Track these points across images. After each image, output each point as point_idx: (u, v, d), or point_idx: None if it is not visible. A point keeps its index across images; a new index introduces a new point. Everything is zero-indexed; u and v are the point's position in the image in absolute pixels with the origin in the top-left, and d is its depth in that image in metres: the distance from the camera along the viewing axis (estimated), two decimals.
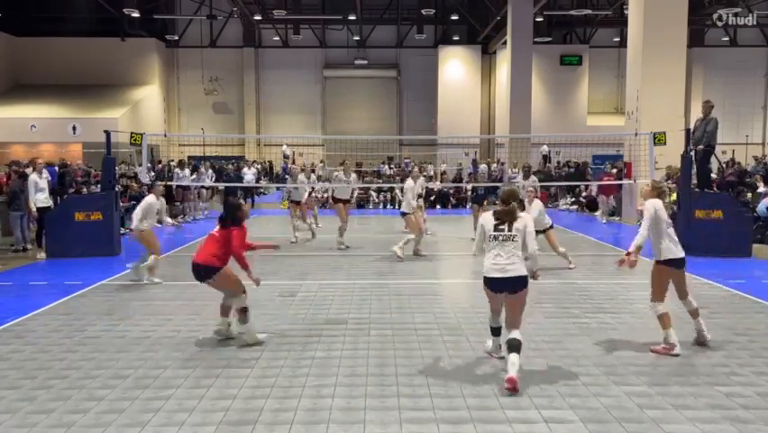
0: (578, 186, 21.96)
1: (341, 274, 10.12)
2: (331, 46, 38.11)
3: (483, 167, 26.33)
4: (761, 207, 13.38)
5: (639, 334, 6.46)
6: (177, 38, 36.92)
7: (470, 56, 36.52)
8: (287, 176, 18.34)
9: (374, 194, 23.39)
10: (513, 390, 4.87)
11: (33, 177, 11.97)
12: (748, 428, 4.34)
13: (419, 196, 13.99)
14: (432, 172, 27.39)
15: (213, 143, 33.07)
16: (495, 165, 25.95)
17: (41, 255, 11.53)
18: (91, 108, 31.13)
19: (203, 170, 20.48)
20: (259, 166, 28.94)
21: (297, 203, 14.20)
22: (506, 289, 5.22)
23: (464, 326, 6.84)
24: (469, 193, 22.81)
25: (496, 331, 5.69)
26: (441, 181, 24.81)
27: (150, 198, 9.50)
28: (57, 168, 18.50)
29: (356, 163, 22.44)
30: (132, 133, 13.07)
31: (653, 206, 5.90)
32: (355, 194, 16.42)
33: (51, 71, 33.81)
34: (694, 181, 12.55)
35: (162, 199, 10.19)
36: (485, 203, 14.26)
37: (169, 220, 11.20)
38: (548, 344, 6.21)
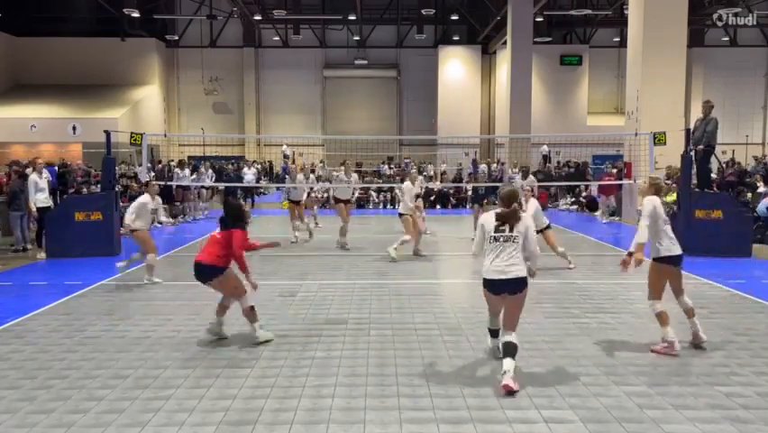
0: (578, 186, 21.96)
1: (341, 274, 10.12)
2: (331, 46, 38.12)
3: (483, 167, 26.33)
4: (761, 207, 13.38)
5: (639, 334, 6.46)
6: (177, 38, 36.94)
7: (470, 56, 36.53)
8: (286, 176, 18.37)
9: (374, 194, 23.40)
10: (510, 393, 4.86)
11: (33, 177, 11.97)
12: (748, 428, 4.34)
13: (418, 196, 13.99)
14: (432, 172, 27.42)
15: (213, 143, 33.08)
16: (495, 165, 25.96)
17: (41, 255, 11.53)
18: (91, 108, 31.14)
19: (203, 170, 20.49)
20: (259, 166, 28.95)
21: (296, 203, 14.20)
22: (505, 290, 5.17)
23: (464, 326, 6.84)
24: (469, 193, 22.84)
25: (494, 333, 5.65)
26: (441, 181, 24.83)
27: (143, 198, 9.41)
28: (57, 168, 18.53)
29: (356, 163, 22.48)
30: (132, 133, 13.09)
31: (652, 203, 5.89)
32: (356, 194, 16.45)
33: (51, 71, 33.82)
34: (694, 181, 12.55)
35: (158, 199, 10.05)
36: (484, 202, 14.28)
37: (163, 219, 11.12)
38: (548, 344, 6.21)
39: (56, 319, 7.19)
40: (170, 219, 17.56)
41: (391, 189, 22.48)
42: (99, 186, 14.33)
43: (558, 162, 28.41)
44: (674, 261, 5.92)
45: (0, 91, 33.26)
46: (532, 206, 10.04)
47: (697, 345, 5.98)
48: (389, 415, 4.54)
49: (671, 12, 15.77)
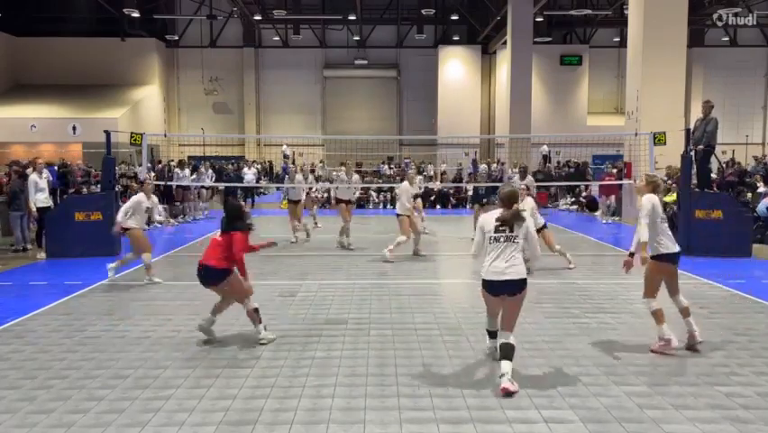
0: (578, 186, 21.96)
1: (341, 274, 10.12)
2: (331, 46, 38.12)
3: (483, 167, 26.34)
4: (761, 207, 13.38)
5: (639, 334, 6.46)
6: (177, 38, 36.94)
7: (470, 56, 36.53)
8: (286, 176, 18.35)
9: (374, 194, 23.40)
10: (509, 394, 4.84)
11: (33, 177, 11.97)
12: (748, 428, 4.34)
13: (416, 196, 13.97)
14: (432, 172, 27.43)
15: (213, 143, 33.07)
16: (495, 165, 25.96)
17: (41, 255, 11.53)
18: (91, 108, 31.14)
19: (203, 170, 20.50)
20: (259, 166, 28.96)
21: (295, 202, 14.17)
22: (505, 292, 5.13)
23: (464, 326, 6.83)
24: (469, 193, 22.84)
25: (493, 334, 5.61)
26: (441, 181, 24.82)
27: (138, 196, 9.33)
28: (56, 168, 18.53)
29: (356, 163, 22.45)
30: (132, 133, 13.08)
31: (650, 201, 5.87)
32: (356, 193, 16.45)
33: (51, 71, 33.81)
34: (694, 181, 12.55)
35: (154, 198, 9.94)
36: (484, 202, 14.26)
37: (160, 218, 11.02)
38: (548, 344, 6.20)
39: (56, 319, 7.19)
40: (169, 219, 17.55)
41: (391, 189, 22.48)
42: (99, 186, 14.33)
43: (558, 162, 28.42)
44: (673, 258, 5.91)
45: (0, 91, 33.26)
46: (527, 205, 10.03)
47: (691, 346, 5.90)
48: (389, 415, 4.54)
49: (671, 12, 15.77)
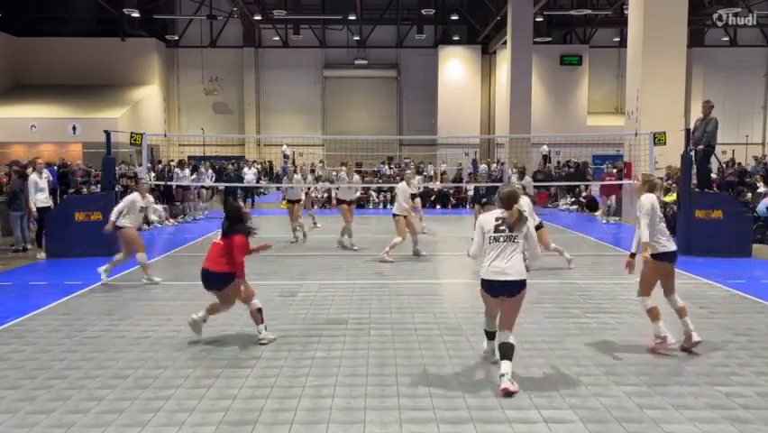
0: (578, 186, 21.96)
1: (341, 274, 10.12)
2: (331, 46, 38.12)
3: (483, 167, 26.35)
4: (761, 207, 13.38)
5: (639, 334, 6.45)
6: (177, 38, 36.94)
7: (470, 56, 36.53)
8: (284, 176, 18.34)
9: (374, 194, 23.40)
10: (509, 394, 4.84)
11: (33, 177, 11.98)
12: (748, 428, 4.34)
13: (415, 196, 13.96)
14: (432, 172, 27.43)
15: (213, 143, 33.06)
16: (495, 165, 25.97)
17: (41, 255, 11.53)
18: (91, 108, 31.14)
19: (203, 170, 20.49)
20: (259, 166, 28.96)
21: (294, 202, 14.14)
22: (504, 293, 5.09)
23: (464, 326, 6.83)
24: (469, 193, 22.86)
25: (491, 335, 5.56)
26: (441, 181, 24.83)
27: (133, 196, 9.26)
28: (56, 168, 18.54)
29: (356, 163, 22.47)
30: (132, 133, 13.08)
31: (650, 201, 5.87)
32: (357, 194, 16.46)
33: (51, 71, 33.81)
34: (694, 181, 12.56)
35: (149, 197, 9.85)
36: (484, 202, 14.26)
37: (154, 218, 10.92)
38: (548, 344, 6.20)
39: (56, 319, 7.19)
40: (169, 219, 17.55)
41: (391, 189, 22.47)
42: (99, 186, 14.33)
43: (558, 162, 28.42)
44: (671, 257, 5.91)
45: (0, 91, 33.26)
46: (524, 204, 10.01)
47: (687, 348, 5.85)
48: (389, 415, 4.54)
49: (671, 12, 15.77)
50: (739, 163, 21.93)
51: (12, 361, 5.76)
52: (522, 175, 13.92)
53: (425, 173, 25.83)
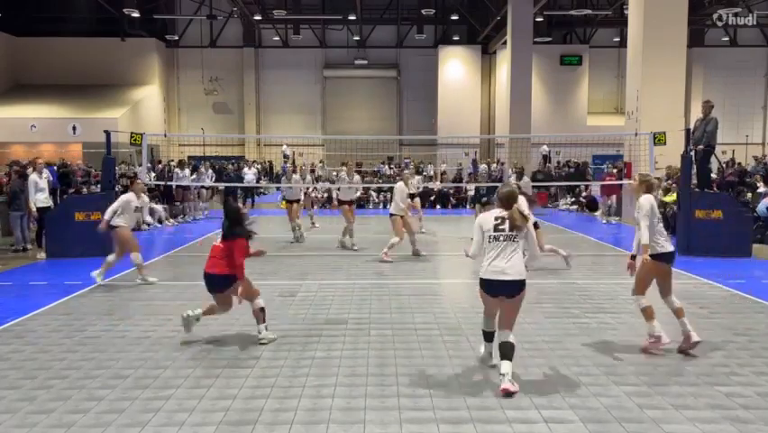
0: (578, 186, 21.96)
1: (341, 274, 10.12)
2: (331, 46, 38.12)
3: (483, 167, 26.35)
4: (761, 207, 13.38)
5: (639, 334, 6.43)
6: (177, 38, 36.94)
7: (470, 56, 36.53)
8: (283, 175, 18.31)
9: (374, 194, 23.40)
10: (509, 395, 4.83)
11: (33, 177, 11.97)
12: (748, 428, 4.34)
13: (413, 196, 13.93)
14: (432, 172, 27.43)
15: (213, 143, 33.07)
16: (495, 165, 25.98)
17: (41, 255, 11.53)
18: (91, 108, 31.15)
19: (203, 170, 20.50)
20: (259, 166, 28.97)
21: (292, 202, 14.11)
22: (503, 293, 5.07)
23: (464, 326, 6.83)
24: (469, 193, 22.86)
25: (489, 336, 5.47)
26: (441, 181, 24.83)
27: (128, 195, 9.21)
28: (56, 168, 18.54)
29: (356, 163, 22.47)
30: (132, 133, 13.08)
31: (649, 202, 5.86)
32: (358, 194, 16.43)
33: (51, 71, 33.81)
34: (694, 181, 12.56)
35: (144, 197, 9.75)
36: (483, 202, 14.26)
37: (149, 219, 10.82)
38: (548, 344, 6.20)
39: (56, 319, 7.18)
40: (168, 220, 17.54)
41: (391, 189, 22.44)
42: (99, 186, 14.33)
43: (558, 162, 28.43)
44: (669, 258, 5.90)
45: (0, 91, 33.26)
46: (521, 204, 10.01)
47: (684, 350, 5.81)
48: (389, 415, 4.54)
49: (671, 12, 15.77)
50: (739, 163, 21.94)
51: (12, 361, 5.76)
52: (520, 176, 13.91)
53: (424, 173, 25.83)
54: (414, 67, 37.63)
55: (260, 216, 19.43)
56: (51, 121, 30.43)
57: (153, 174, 19.82)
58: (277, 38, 37.77)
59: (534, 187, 20.66)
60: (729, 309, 7.63)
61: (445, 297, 8.52)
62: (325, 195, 22.52)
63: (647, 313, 5.86)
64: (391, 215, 11.54)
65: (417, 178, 19.70)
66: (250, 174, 24.38)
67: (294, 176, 15.06)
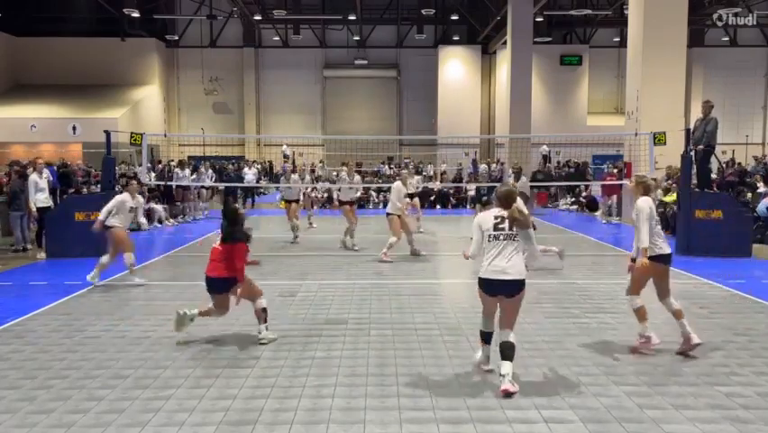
0: (578, 186, 21.96)
1: (341, 274, 10.12)
2: (331, 46, 38.11)
3: (483, 167, 26.35)
4: (761, 207, 13.38)
5: (639, 334, 6.44)
6: (177, 38, 36.92)
7: (470, 56, 36.52)
8: (282, 175, 18.30)
9: (374, 194, 23.40)
10: (509, 395, 4.82)
11: (33, 177, 11.97)
12: (748, 428, 4.34)
13: (412, 195, 13.90)
14: (432, 172, 27.43)
15: (213, 143, 33.07)
16: (495, 165, 25.98)
17: (41, 255, 11.52)
18: (91, 108, 31.14)
19: (203, 170, 20.51)
20: (259, 166, 28.98)
21: (290, 202, 14.06)
22: (503, 292, 5.04)
23: (464, 326, 6.83)
24: (470, 193, 22.87)
25: (487, 337, 5.37)
26: (441, 181, 24.82)
27: (122, 196, 9.18)
28: (56, 168, 18.53)
29: (356, 163, 22.47)
30: (132, 133, 13.07)
31: (648, 205, 5.83)
32: (358, 194, 16.35)
33: (51, 71, 33.80)
34: (694, 181, 12.56)
35: (139, 198, 9.73)
36: (485, 201, 14.25)
37: (143, 221, 10.69)
38: (548, 344, 6.20)
39: (56, 319, 7.19)
40: (168, 220, 17.54)
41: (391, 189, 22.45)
42: (99, 186, 14.32)
43: (558, 162, 28.43)
44: (666, 259, 5.89)
45: (0, 91, 33.26)
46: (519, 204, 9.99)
47: (684, 351, 5.79)
48: (389, 415, 4.54)
49: (671, 12, 15.77)
50: (739, 163, 21.94)
51: (12, 361, 5.76)
52: (518, 176, 13.87)
53: (424, 173, 25.82)
54: (414, 67, 37.62)
55: (260, 216, 19.45)
56: (51, 121, 30.42)
57: (153, 174, 19.82)
58: (277, 38, 37.76)
59: (534, 187, 20.68)
60: (729, 309, 7.63)
61: (445, 297, 8.52)
62: (325, 195, 22.51)
63: (640, 313, 5.88)
64: (388, 214, 11.52)
65: (417, 178, 19.70)
66: (250, 174, 24.39)
67: (293, 176, 15.04)
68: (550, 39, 32.50)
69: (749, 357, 5.79)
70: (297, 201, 14.22)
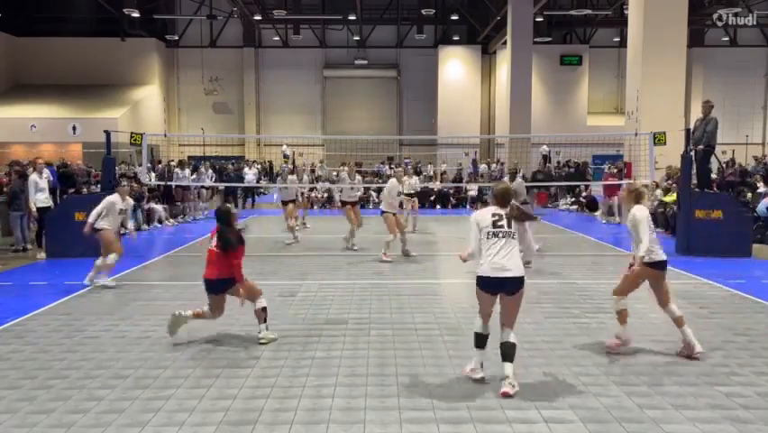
0: (578, 186, 21.96)
1: (341, 274, 10.12)
2: (331, 46, 38.12)
3: (483, 167, 26.35)
4: (761, 207, 13.38)
5: (639, 334, 6.42)
6: (177, 38, 36.95)
7: (470, 56, 36.54)
8: (278, 176, 18.27)
9: (374, 194, 23.39)
10: (509, 398, 4.81)
11: (34, 177, 11.98)
12: (748, 428, 4.34)
13: (411, 195, 13.87)
14: (432, 172, 27.43)
15: (213, 143, 33.08)
16: (495, 165, 25.98)
17: (41, 255, 11.52)
18: (91, 108, 31.16)
19: (203, 170, 20.51)
20: (259, 166, 28.98)
21: (287, 203, 14.02)
22: (504, 289, 5.01)
23: (464, 326, 6.81)
24: (470, 193, 22.85)
25: (482, 341, 5.15)
26: (441, 181, 24.82)
27: (112, 197, 9.07)
28: (56, 168, 18.53)
29: (356, 163, 22.47)
30: (132, 133, 13.07)
31: (645, 214, 5.74)
32: (358, 193, 16.32)
33: (51, 71, 33.82)
34: (694, 181, 12.56)
35: (129, 200, 9.58)
36: (485, 201, 14.26)
37: (131, 226, 10.46)
38: (548, 344, 6.20)
39: (56, 319, 7.18)
40: (168, 220, 17.54)
41: None
42: (99, 186, 14.32)
43: (558, 162, 28.42)
44: (662, 266, 5.86)
45: (0, 91, 33.26)
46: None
47: (686, 355, 5.76)
48: (389, 415, 4.54)
49: (671, 12, 15.78)
50: (739, 163, 21.93)
51: (12, 361, 5.76)
52: (513, 177, 13.83)
53: (424, 173, 25.80)
54: (414, 67, 37.64)
55: (259, 216, 19.45)
56: (51, 121, 30.44)
57: (153, 174, 19.82)
58: (277, 38, 37.78)
59: (534, 187, 20.69)
60: (729, 309, 7.63)
61: (445, 297, 8.52)
62: (325, 195, 22.50)
63: (622, 316, 5.90)
64: (383, 212, 11.51)
65: (416, 178, 19.63)
66: (250, 174, 24.39)
67: (290, 176, 15.00)
68: (550, 39, 32.53)
69: (749, 357, 5.79)
70: (293, 202, 14.15)
